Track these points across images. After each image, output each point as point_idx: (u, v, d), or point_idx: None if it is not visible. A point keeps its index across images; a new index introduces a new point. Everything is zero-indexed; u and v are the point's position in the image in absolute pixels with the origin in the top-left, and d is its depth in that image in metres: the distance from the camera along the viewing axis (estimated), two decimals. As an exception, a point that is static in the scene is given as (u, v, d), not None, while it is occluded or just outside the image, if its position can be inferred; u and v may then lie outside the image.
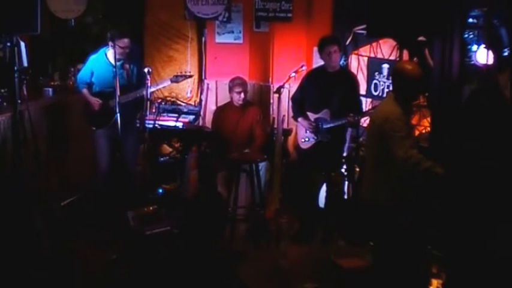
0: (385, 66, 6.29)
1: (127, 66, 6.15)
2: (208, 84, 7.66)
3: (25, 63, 5.94)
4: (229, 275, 4.53)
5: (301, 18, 7.25)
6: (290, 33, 7.30)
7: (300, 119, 6.06)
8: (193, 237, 5.44)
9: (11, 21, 5.14)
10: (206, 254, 5.25)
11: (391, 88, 5.02)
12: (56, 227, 5.59)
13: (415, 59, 5.57)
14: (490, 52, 4.77)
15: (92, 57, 6.25)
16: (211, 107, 7.43)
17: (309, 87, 6.07)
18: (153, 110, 6.93)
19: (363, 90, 6.32)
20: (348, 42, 6.68)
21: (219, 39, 7.59)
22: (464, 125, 4.71)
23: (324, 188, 6.06)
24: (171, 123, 7.03)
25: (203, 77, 7.73)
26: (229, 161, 6.02)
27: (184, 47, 7.70)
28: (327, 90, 5.88)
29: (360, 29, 6.41)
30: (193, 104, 7.60)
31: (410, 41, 5.27)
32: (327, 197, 5.98)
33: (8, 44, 5.36)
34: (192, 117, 7.27)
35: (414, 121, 5.74)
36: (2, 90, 5.98)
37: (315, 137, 5.97)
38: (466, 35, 4.94)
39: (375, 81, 6.42)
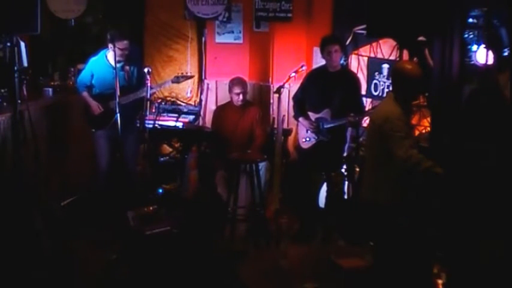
0: (385, 66, 6.29)
1: (127, 68, 6.15)
2: (208, 84, 7.66)
3: (25, 63, 5.93)
4: (229, 275, 4.54)
5: (301, 18, 7.26)
6: (290, 33, 7.30)
7: (300, 119, 6.06)
8: (193, 237, 5.43)
9: (11, 21, 5.13)
10: (206, 254, 5.25)
11: (391, 88, 5.01)
12: (56, 227, 5.58)
13: (415, 59, 5.56)
14: (490, 52, 4.76)
15: (92, 60, 6.24)
16: (211, 107, 7.43)
17: (310, 87, 6.07)
18: (153, 110, 6.93)
19: (363, 90, 6.32)
20: (348, 42, 6.67)
21: (219, 39, 7.59)
22: (464, 125, 4.71)
23: (324, 188, 6.05)
24: (171, 123, 7.03)
25: (203, 77, 7.73)
26: (229, 161, 6.02)
27: (184, 47, 7.70)
28: (327, 90, 5.87)
29: (360, 29, 6.40)
30: (193, 104, 7.60)
31: (410, 41, 5.27)
32: (327, 197, 5.98)
33: (8, 44, 5.36)
34: (192, 117, 7.27)
35: (414, 121, 5.74)
36: (2, 90, 5.97)
37: (316, 137, 5.97)
38: (466, 35, 4.93)
39: (375, 81, 6.42)
